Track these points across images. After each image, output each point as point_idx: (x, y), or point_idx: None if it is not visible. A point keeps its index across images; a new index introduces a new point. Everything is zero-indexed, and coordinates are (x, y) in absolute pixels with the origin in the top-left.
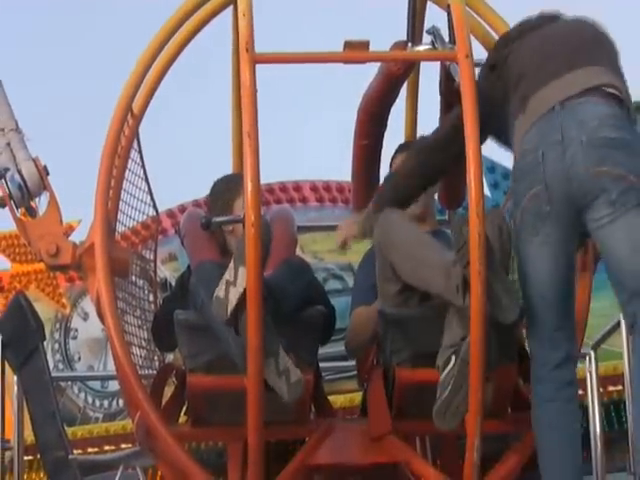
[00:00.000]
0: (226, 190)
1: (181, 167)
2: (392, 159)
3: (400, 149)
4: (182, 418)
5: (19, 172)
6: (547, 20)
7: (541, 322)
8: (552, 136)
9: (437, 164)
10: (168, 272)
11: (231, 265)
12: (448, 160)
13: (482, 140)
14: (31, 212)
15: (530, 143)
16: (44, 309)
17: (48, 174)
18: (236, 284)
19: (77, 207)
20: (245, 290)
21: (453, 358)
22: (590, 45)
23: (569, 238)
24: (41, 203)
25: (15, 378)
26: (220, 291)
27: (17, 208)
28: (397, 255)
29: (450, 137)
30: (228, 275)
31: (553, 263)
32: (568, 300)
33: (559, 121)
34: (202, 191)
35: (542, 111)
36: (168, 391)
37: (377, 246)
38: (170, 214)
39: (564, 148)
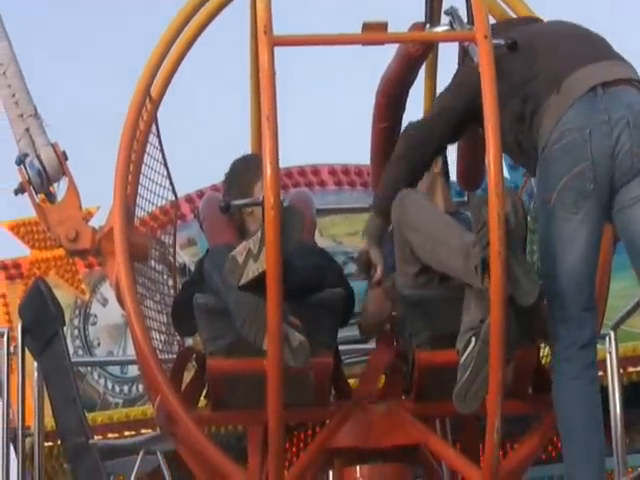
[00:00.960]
0: (245, 172)
1: (200, 152)
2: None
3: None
4: (202, 402)
5: (38, 158)
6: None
7: (570, 302)
8: (598, 117)
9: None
10: (187, 257)
11: (258, 235)
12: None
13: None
14: (50, 197)
15: (573, 123)
16: (63, 295)
17: (67, 159)
18: (258, 259)
19: (96, 194)
20: (264, 272)
21: (473, 340)
22: (604, 41)
23: (604, 218)
24: (60, 189)
25: (35, 364)
26: (239, 255)
27: (36, 194)
28: (416, 235)
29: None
30: (252, 244)
31: (590, 242)
32: (595, 280)
33: (603, 104)
34: (220, 176)
35: (581, 92)
36: (188, 376)
37: (395, 226)
38: (189, 199)
39: (611, 127)
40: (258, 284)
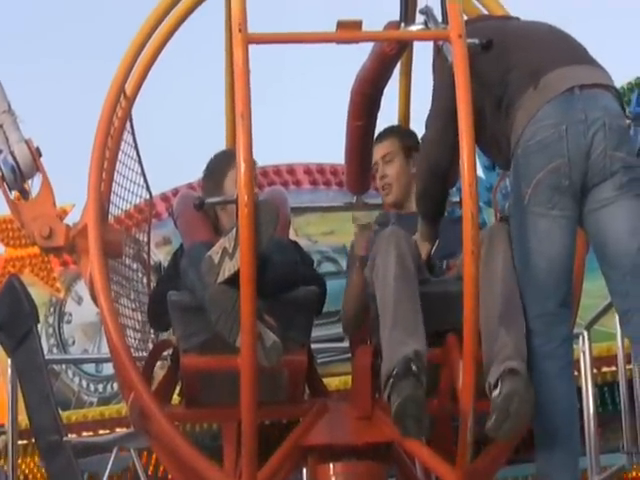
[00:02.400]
0: (216, 169)
1: (175, 151)
2: (374, 145)
3: (379, 138)
4: (176, 399)
5: (12, 154)
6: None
7: (547, 297)
8: (575, 115)
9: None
10: (162, 256)
11: (232, 233)
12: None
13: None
14: (24, 194)
15: (549, 118)
16: (38, 293)
17: (41, 156)
18: (233, 257)
19: (71, 191)
20: (238, 272)
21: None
22: (582, 46)
23: (578, 215)
24: (34, 186)
25: (9, 361)
26: (215, 254)
27: (10, 190)
28: (377, 290)
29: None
30: (227, 243)
31: (567, 237)
32: (572, 276)
33: (581, 104)
34: (196, 175)
35: (559, 90)
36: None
37: (371, 259)
38: (164, 198)
39: (587, 127)
40: (234, 282)
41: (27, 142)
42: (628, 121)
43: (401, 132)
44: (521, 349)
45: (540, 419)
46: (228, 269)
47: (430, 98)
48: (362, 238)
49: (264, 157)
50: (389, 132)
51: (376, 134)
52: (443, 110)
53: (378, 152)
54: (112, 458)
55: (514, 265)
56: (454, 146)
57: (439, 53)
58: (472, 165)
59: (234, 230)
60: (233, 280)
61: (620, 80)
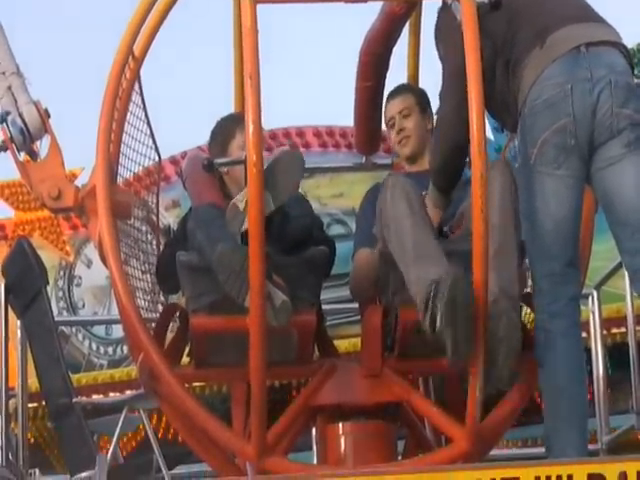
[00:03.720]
0: (222, 132)
1: (185, 114)
2: (388, 101)
3: (394, 94)
4: (185, 360)
5: (20, 116)
6: None
7: (554, 257)
8: (580, 73)
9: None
10: (171, 219)
11: None
12: None
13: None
14: (33, 156)
15: (555, 77)
16: (48, 257)
17: (49, 117)
18: None
19: (80, 155)
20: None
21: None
22: (588, 4)
23: (585, 175)
24: (42, 147)
25: (18, 324)
26: (239, 202)
27: (19, 152)
28: (390, 234)
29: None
30: None
31: (574, 197)
32: (579, 236)
33: (586, 62)
34: (205, 138)
35: (565, 49)
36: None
37: (378, 210)
38: (173, 161)
39: (592, 85)
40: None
41: (35, 104)
42: (637, 80)
43: (415, 89)
44: (508, 289)
45: (547, 378)
46: None
47: (440, 67)
48: None
49: (273, 120)
50: (404, 88)
51: (387, 92)
52: (457, 83)
53: (395, 107)
54: (121, 419)
55: (511, 197)
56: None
57: (445, 14)
58: (481, 126)
59: None
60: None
61: (629, 42)
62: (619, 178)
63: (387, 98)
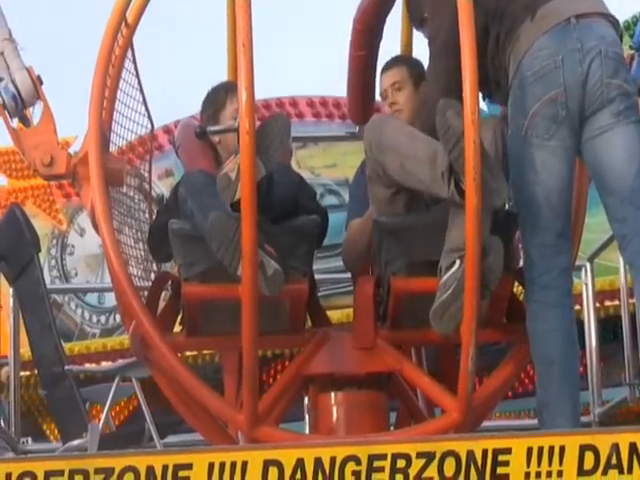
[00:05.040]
0: (213, 101)
1: (178, 84)
2: (381, 74)
3: (387, 66)
4: (177, 328)
5: (13, 82)
6: None
7: (545, 228)
8: (570, 44)
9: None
10: (164, 188)
11: None
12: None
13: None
14: (25, 122)
15: (545, 49)
16: (41, 225)
17: (42, 83)
18: None
19: (74, 123)
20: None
21: (458, 262)
22: None
23: (577, 145)
24: (35, 114)
25: (10, 291)
26: (231, 172)
27: (11, 118)
28: (387, 155)
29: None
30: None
31: (565, 168)
32: (570, 208)
33: (576, 33)
34: (199, 108)
35: (555, 21)
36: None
37: (368, 149)
38: (166, 130)
39: (583, 55)
40: (239, 208)
41: (28, 70)
42: (632, 51)
43: (409, 61)
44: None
45: (539, 349)
46: None
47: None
48: None
49: (266, 89)
50: (397, 61)
51: (382, 64)
52: (444, 59)
53: (387, 79)
54: (113, 387)
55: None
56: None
57: None
58: (474, 93)
59: None
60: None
61: (626, 14)
62: (608, 147)
63: (381, 70)
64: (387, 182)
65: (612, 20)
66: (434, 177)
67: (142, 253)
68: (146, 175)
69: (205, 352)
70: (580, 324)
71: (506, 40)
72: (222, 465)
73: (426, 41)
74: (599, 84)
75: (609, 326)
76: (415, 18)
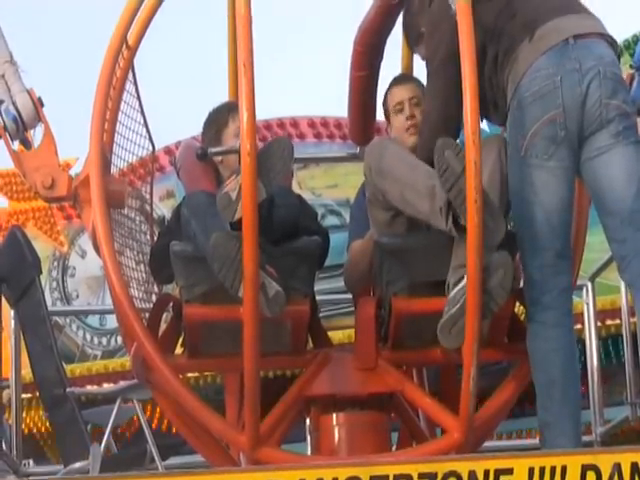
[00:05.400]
0: (215, 120)
1: (179, 105)
2: (395, 86)
3: (404, 80)
4: (178, 350)
5: (14, 104)
6: None
7: (545, 248)
8: (569, 64)
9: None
10: (166, 209)
11: None
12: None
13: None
14: (26, 144)
15: (544, 69)
16: (42, 247)
17: (43, 106)
18: None
19: (75, 145)
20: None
21: (466, 278)
22: None
23: (576, 166)
24: (36, 136)
25: (12, 313)
26: (232, 192)
27: (12, 140)
28: (387, 182)
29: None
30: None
31: (565, 188)
32: (570, 228)
33: (575, 53)
34: (200, 129)
35: (554, 41)
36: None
37: (368, 173)
38: (167, 151)
39: (581, 76)
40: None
41: (29, 92)
42: (632, 71)
43: (419, 80)
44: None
45: (539, 369)
46: None
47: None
48: None
49: (268, 110)
50: (412, 77)
51: (383, 85)
52: (445, 80)
53: (406, 92)
54: (115, 409)
55: (501, 177)
56: (458, 118)
57: (439, 2)
58: (475, 114)
59: None
60: (240, 226)
61: (626, 33)
62: (608, 168)
63: (394, 83)
64: (386, 206)
65: (610, 40)
66: (433, 210)
67: (143, 275)
68: (147, 197)
69: (207, 373)
70: (581, 343)
71: (504, 60)
72: None
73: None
74: (598, 104)
75: (610, 345)
76: (412, 36)
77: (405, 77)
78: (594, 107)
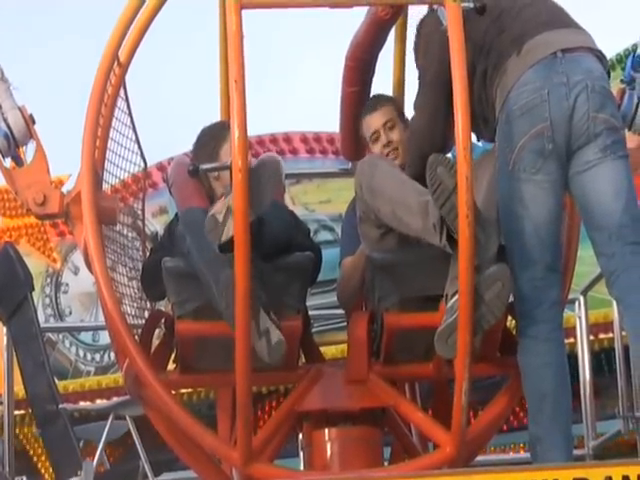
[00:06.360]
0: (212, 138)
1: (172, 121)
2: (367, 116)
3: (373, 107)
4: (171, 366)
5: (5, 121)
6: None
7: (535, 262)
8: (556, 78)
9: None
10: (158, 225)
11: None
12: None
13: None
14: (18, 161)
15: (532, 83)
16: (35, 264)
17: (34, 123)
18: None
19: (67, 162)
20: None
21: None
22: (564, 10)
23: (564, 179)
24: (28, 153)
25: (4, 330)
26: (219, 214)
27: (4, 158)
28: (379, 200)
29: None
30: (230, 201)
31: (553, 202)
32: (560, 241)
33: (563, 67)
34: (192, 145)
35: (541, 55)
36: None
37: (359, 190)
38: (160, 167)
39: (569, 89)
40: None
41: (20, 109)
42: (623, 85)
43: (391, 99)
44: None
45: (530, 384)
46: (233, 228)
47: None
48: None
49: (260, 126)
50: (383, 100)
51: (365, 106)
52: (434, 93)
53: (378, 120)
54: (108, 425)
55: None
56: (445, 132)
57: (429, 20)
58: (467, 129)
59: None
60: (228, 247)
61: (618, 47)
62: (595, 182)
63: (366, 112)
64: (378, 223)
65: (599, 55)
66: (426, 228)
67: (136, 291)
68: (139, 212)
69: (199, 389)
70: (574, 357)
71: (494, 74)
72: None
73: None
74: (585, 118)
75: (603, 359)
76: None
77: (375, 102)
78: (582, 121)
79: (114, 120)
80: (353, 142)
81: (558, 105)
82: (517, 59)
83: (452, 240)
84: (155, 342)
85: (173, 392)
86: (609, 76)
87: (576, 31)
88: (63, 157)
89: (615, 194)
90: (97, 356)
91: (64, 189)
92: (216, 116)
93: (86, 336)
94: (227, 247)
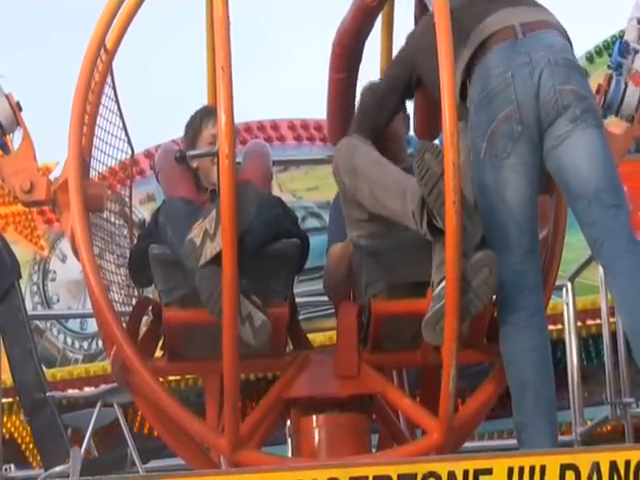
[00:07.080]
0: (192, 124)
1: (159, 108)
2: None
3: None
4: (158, 353)
5: None
6: None
7: (512, 247)
8: (519, 59)
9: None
10: (146, 213)
11: (213, 214)
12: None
13: None
14: (5, 149)
15: (495, 69)
16: (22, 251)
17: (21, 110)
18: (214, 240)
19: (55, 150)
20: (221, 251)
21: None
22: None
23: (537, 160)
24: (15, 141)
25: None
26: (196, 238)
27: None
28: (356, 178)
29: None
30: (208, 224)
31: (526, 185)
32: (536, 224)
33: (525, 47)
34: (180, 132)
35: (501, 38)
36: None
37: (335, 170)
38: (148, 154)
39: (532, 68)
40: (216, 261)
41: (7, 96)
42: (610, 71)
43: None
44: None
45: (512, 370)
46: (210, 252)
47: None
48: None
49: (247, 113)
50: None
51: (362, 86)
52: (395, 72)
53: None
54: (96, 413)
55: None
56: (391, 113)
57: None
58: (453, 115)
59: (214, 211)
60: (215, 260)
61: (605, 34)
62: (570, 153)
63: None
64: (358, 204)
65: (560, 29)
66: (405, 212)
67: (123, 278)
68: (127, 200)
69: (187, 376)
70: (562, 343)
71: (469, 66)
72: None
73: None
74: (552, 93)
75: (591, 345)
76: None
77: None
78: (548, 96)
79: (101, 107)
80: (340, 129)
81: (523, 85)
82: (480, 45)
83: (433, 227)
84: (143, 329)
85: (161, 379)
86: (571, 47)
87: (536, 8)
88: (50, 144)
89: (590, 160)
90: (85, 344)
91: (51, 176)
92: (204, 102)
93: (74, 324)
94: (206, 270)
